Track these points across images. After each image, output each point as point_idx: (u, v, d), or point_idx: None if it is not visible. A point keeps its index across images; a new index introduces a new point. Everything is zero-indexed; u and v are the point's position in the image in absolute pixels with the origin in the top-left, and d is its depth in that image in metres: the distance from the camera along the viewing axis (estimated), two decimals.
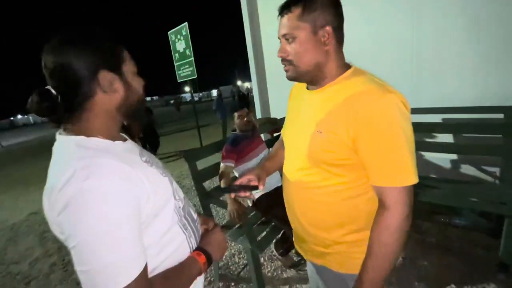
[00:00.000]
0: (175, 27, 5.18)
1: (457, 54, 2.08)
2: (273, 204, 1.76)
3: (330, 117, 0.70)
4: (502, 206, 1.61)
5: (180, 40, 5.25)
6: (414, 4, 2.19)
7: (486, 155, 1.90)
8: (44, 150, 11.37)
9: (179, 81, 5.53)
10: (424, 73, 2.25)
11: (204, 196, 1.80)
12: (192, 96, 5.94)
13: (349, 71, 0.73)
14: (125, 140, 0.66)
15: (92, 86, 0.55)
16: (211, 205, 1.81)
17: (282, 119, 2.68)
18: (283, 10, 0.70)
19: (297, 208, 0.83)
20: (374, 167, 0.66)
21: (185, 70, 5.26)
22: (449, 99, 2.15)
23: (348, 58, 0.76)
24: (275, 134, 2.72)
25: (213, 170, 1.90)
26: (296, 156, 0.81)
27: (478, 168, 2.16)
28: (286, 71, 0.76)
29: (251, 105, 2.97)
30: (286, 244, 1.80)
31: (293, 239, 0.99)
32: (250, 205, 1.91)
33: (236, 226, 1.75)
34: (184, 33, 5.07)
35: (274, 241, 1.92)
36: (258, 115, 3.59)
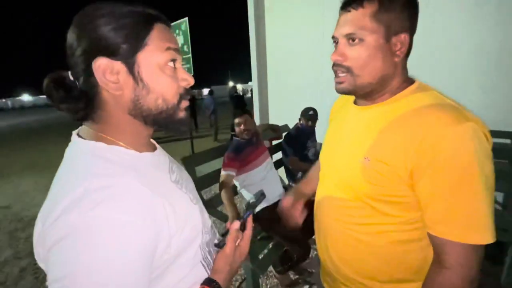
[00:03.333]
0: (174, 21, 5.00)
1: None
2: (275, 220, 1.64)
3: (383, 142, 0.56)
4: (504, 233, 1.58)
5: (178, 35, 5.08)
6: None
7: None
8: (32, 134, 10.80)
9: None
10: None
11: (203, 204, 1.65)
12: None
13: (413, 86, 0.59)
14: (154, 149, 0.53)
15: (91, 77, 0.42)
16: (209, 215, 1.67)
17: (283, 127, 2.59)
18: (352, 3, 0.55)
19: (329, 242, 0.70)
20: (435, 212, 0.52)
21: (182, 67, 5.08)
22: None
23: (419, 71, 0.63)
24: (274, 142, 2.61)
25: (213, 177, 1.76)
26: (334, 184, 0.67)
27: None
28: (339, 82, 0.60)
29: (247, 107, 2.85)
30: (286, 262, 1.68)
31: (320, 271, 0.84)
32: None
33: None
34: (183, 28, 4.89)
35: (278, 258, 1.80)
36: (256, 120, 3.47)
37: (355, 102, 0.68)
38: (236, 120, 1.79)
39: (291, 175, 2.37)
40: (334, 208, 0.67)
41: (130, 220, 0.37)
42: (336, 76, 0.61)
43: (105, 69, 0.42)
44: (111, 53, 0.42)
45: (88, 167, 0.40)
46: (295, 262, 1.63)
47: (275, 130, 2.51)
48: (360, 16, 0.55)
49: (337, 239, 0.68)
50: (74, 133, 0.47)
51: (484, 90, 2.00)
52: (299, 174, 2.28)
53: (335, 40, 0.61)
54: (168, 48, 0.45)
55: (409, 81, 0.61)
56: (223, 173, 1.64)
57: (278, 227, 1.61)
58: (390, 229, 0.59)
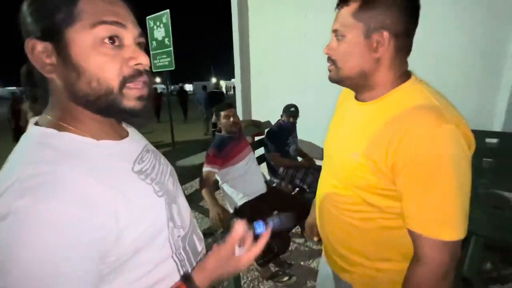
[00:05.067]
0: (155, 13, 4.86)
1: None
2: (256, 213, 1.67)
3: (370, 139, 0.59)
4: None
5: (159, 27, 4.94)
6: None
7: None
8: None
9: (154, 70, 5.19)
10: None
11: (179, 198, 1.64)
12: (167, 88, 5.63)
13: (407, 83, 0.60)
14: (123, 137, 0.49)
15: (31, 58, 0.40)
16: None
17: (266, 123, 2.62)
18: (341, 1, 0.59)
19: (327, 225, 0.76)
20: (410, 208, 0.55)
21: (162, 60, 4.96)
22: None
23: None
24: (257, 138, 2.63)
25: (193, 172, 1.75)
26: (331, 172, 0.74)
27: None
28: (329, 71, 0.67)
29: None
30: (267, 255, 1.71)
31: (323, 249, 0.89)
32: (232, 211, 1.79)
33: (219, 232, 1.62)
34: (164, 20, 4.77)
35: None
36: (239, 116, 3.47)
37: (355, 97, 0.70)
38: (224, 113, 1.78)
39: (272, 170, 2.40)
40: (330, 195, 0.73)
41: (61, 210, 0.34)
42: (328, 67, 0.66)
43: (38, 51, 0.39)
44: (38, 33, 0.38)
45: (27, 154, 0.38)
46: (275, 255, 1.67)
47: (258, 126, 2.54)
48: (344, 13, 0.59)
49: (333, 223, 0.74)
50: (32, 120, 0.44)
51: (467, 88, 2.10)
52: (281, 169, 2.32)
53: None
54: (102, 22, 0.38)
55: (405, 77, 0.62)
56: (205, 169, 1.63)
57: (260, 216, 1.64)
58: (377, 216, 0.63)
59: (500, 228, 1.73)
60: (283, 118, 2.38)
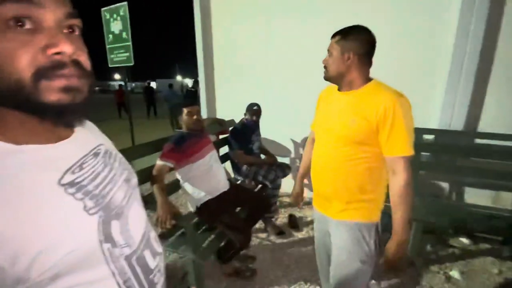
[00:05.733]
0: (112, 5, 4.56)
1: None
2: (219, 210, 1.68)
3: (361, 110, 0.96)
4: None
5: (116, 20, 4.65)
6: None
7: None
8: None
9: (110, 66, 4.87)
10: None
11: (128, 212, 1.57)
12: (126, 85, 5.31)
13: (372, 82, 1.00)
14: (66, 136, 0.43)
15: None
16: (147, 211, 1.59)
17: (229, 121, 2.62)
18: (331, 37, 1.02)
19: (331, 176, 1.05)
20: (389, 143, 0.93)
21: (120, 55, 4.66)
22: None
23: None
24: (222, 136, 2.63)
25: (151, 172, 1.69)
26: (330, 139, 1.05)
27: None
28: (324, 73, 1.06)
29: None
30: (230, 251, 1.73)
31: (314, 202, 1.21)
32: (193, 210, 1.77)
33: (177, 234, 1.59)
34: (122, 13, 4.49)
35: (218, 249, 1.83)
36: (204, 114, 3.42)
37: (339, 90, 1.06)
38: (188, 109, 1.75)
39: (236, 168, 2.42)
40: (331, 155, 1.04)
41: None
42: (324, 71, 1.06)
43: None
44: None
45: None
46: (237, 250, 1.69)
47: (221, 124, 2.54)
48: (332, 41, 1.01)
49: (337, 172, 1.03)
50: None
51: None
52: (244, 167, 2.35)
53: None
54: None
55: (369, 79, 1.02)
56: (158, 163, 1.57)
57: (221, 218, 1.65)
58: (366, 161, 0.99)
59: (437, 214, 1.96)
60: (246, 117, 2.41)
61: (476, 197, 2.22)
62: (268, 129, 3.04)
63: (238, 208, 1.93)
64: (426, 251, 2.10)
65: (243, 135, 2.36)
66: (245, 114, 2.43)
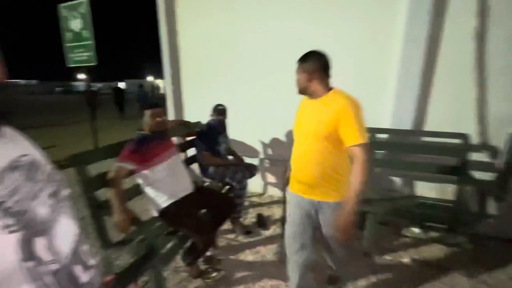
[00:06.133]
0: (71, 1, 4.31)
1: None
2: (182, 213, 1.66)
3: (326, 113, 1.24)
4: (366, 204, 2.05)
5: (75, 17, 4.39)
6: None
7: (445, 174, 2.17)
8: None
9: (69, 65, 4.59)
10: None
11: (96, 207, 1.51)
12: (89, 85, 5.04)
13: (332, 91, 1.29)
14: None
15: None
16: (105, 217, 1.53)
17: (196, 123, 2.60)
18: (299, 61, 1.34)
19: (310, 166, 1.32)
20: (348, 136, 1.19)
21: (80, 54, 4.43)
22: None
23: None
24: (188, 138, 2.60)
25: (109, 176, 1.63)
26: (307, 137, 1.32)
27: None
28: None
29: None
30: (194, 253, 1.72)
31: (293, 189, 1.45)
32: (156, 215, 1.74)
33: (137, 239, 1.55)
34: (82, 10, 4.28)
35: (182, 252, 1.81)
36: (171, 116, 3.36)
37: (311, 98, 1.35)
38: (151, 112, 1.72)
39: (203, 170, 2.41)
40: (308, 149, 1.31)
41: None
42: None
43: None
44: None
45: None
46: (200, 252, 1.68)
47: (188, 126, 2.51)
48: (299, 65, 1.33)
49: (314, 163, 1.30)
50: None
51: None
52: (211, 168, 2.35)
53: None
54: None
55: (330, 88, 1.31)
56: (117, 165, 1.52)
57: (184, 220, 1.64)
58: (335, 153, 1.27)
59: (391, 206, 2.12)
60: (212, 117, 2.42)
61: (425, 189, 2.43)
62: (237, 131, 3.06)
63: (204, 210, 1.93)
64: (382, 242, 2.26)
65: (210, 137, 2.36)
66: (211, 115, 2.43)
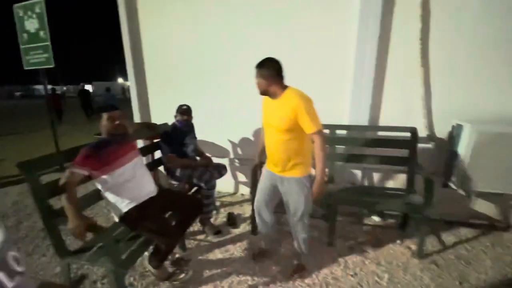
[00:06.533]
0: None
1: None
2: (144, 217, 1.65)
3: (285, 110, 1.51)
4: (330, 198, 2.17)
5: (31, 18, 4.14)
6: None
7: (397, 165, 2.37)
8: None
9: (26, 68, 4.32)
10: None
11: (50, 215, 1.45)
12: (45, 88, 4.75)
13: (287, 90, 1.56)
14: None
15: None
16: (61, 226, 1.47)
17: (162, 125, 2.58)
18: (255, 67, 1.59)
19: (279, 151, 1.63)
20: (305, 126, 1.49)
21: (37, 56, 4.18)
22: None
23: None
24: (155, 140, 2.56)
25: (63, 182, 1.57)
26: (274, 130, 1.61)
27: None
28: (258, 91, 1.64)
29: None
30: (158, 256, 1.71)
31: (268, 166, 1.80)
32: (117, 220, 1.70)
33: (96, 247, 1.51)
34: (38, 10, 4.05)
35: (148, 255, 1.79)
36: (136, 119, 3.28)
37: (271, 98, 1.61)
38: (107, 115, 1.68)
39: (170, 172, 2.39)
40: (276, 139, 1.62)
41: None
42: None
43: None
44: None
45: None
46: (164, 254, 1.68)
47: (152, 128, 2.45)
48: (257, 71, 1.58)
49: (282, 149, 1.62)
50: None
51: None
52: (178, 170, 2.34)
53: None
54: None
55: (285, 87, 1.57)
56: (70, 171, 1.47)
57: (145, 224, 1.62)
58: (295, 139, 1.57)
59: (352, 198, 2.25)
60: (177, 118, 2.40)
61: (382, 180, 2.61)
62: (206, 131, 3.07)
63: (169, 213, 1.92)
64: (345, 231, 2.40)
65: (175, 138, 2.34)
66: (175, 116, 2.41)
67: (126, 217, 1.67)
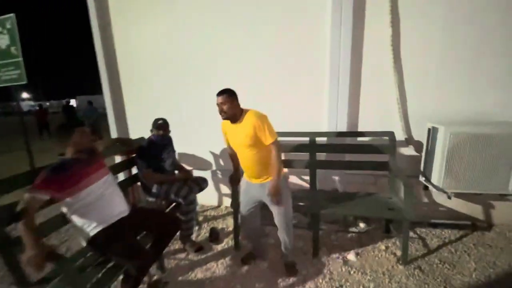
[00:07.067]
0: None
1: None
2: (113, 239, 1.55)
3: (247, 130, 1.68)
4: (313, 206, 2.13)
5: (2, 33, 4.00)
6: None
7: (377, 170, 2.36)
8: None
9: None
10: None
11: (7, 244, 1.34)
12: (18, 105, 4.56)
13: (245, 112, 1.73)
14: None
15: None
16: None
17: (139, 139, 2.48)
18: (221, 93, 1.73)
19: (253, 164, 1.79)
20: (264, 139, 1.67)
21: (9, 73, 4.02)
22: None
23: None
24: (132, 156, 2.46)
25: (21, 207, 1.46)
26: (243, 148, 1.77)
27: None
28: (223, 115, 1.75)
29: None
30: (131, 282, 1.60)
31: (245, 177, 1.95)
32: (85, 244, 1.59)
33: (58, 278, 1.39)
34: (9, 26, 3.94)
35: (120, 282, 1.68)
36: (113, 133, 3.17)
37: (232, 123, 1.77)
38: (75, 132, 1.59)
39: (147, 189, 2.30)
40: (247, 155, 1.77)
41: None
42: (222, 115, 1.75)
43: None
44: None
45: None
46: (137, 279, 1.57)
47: (127, 143, 2.37)
48: (223, 98, 1.71)
49: (253, 162, 1.78)
50: None
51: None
52: (154, 187, 2.25)
53: (217, 103, 1.74)
54: None
55: (244, 110, 1.75)
56: (29, 195, 1.36)
57: (113, 247, 1.52)
58: (265, 151, 1.72)
59: (335, 205, 2.20)
60: (152, 133, 2.32)
61: (363, 185, 2.60)
62: (187, 144, 3.00)
63: (143, 233, 1.82)
64: (330, 240, 2.35)
65: (151, 153, 2.25)
66: (151, 131, 2.33)
67: (93, 241, 1.56)
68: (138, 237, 1.76)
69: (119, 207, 1.70)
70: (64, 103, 12.46)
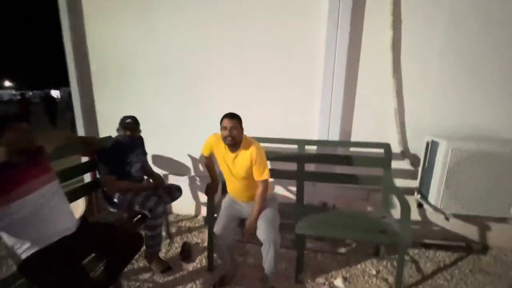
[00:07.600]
0: None
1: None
2: (47, 265, 1.24)
3: (245, 162, 1.68)
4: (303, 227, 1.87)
5: None
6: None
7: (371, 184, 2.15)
8: None
9: None
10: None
11: None
12: (22, 94, 4.14)
13: (244, 140, 1.70)
14: None
15: None
16: None
17: (106, 138, 2.16)
18: (232, 117, 1.64)
19: (243, 191, 1.81)
20: (255, 173, 1.68)
21: None
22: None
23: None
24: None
25: None
26: (237, 178, 1.76)
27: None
28: (231, 140, 1.63)
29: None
30: None
31: (234, 199, 1.91)
32: (16, 269, 1.27)
33: None
34: None
35: None
36: (80, 131, 2.83)
37: (230, 151, 1.72)
38: (8, 129, 1.28)
39: (107, 198, 1.98)
40: (238, 185, 1.79)
41: None
42: (230, 140, 1.64)
43: None
44: None
45: None
46: None
47: (89, 143, 2.04)
48: (235, 121, 1.63)
49: (241, 190, 1.82)
50: None
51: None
52: (116, 196, 1.93)
53: (226, 126, 1.62)
54: None
55: (244, 137, 1.71)
56: None
57: (48, 275, 1.21)
58: (254, 183, 1.71)
59: (321, 223, 1.94)
60: (119, 133, 2.01)
61: (354, 200, 2.38)
62: (161, 145, 2.70)
63: (93, 255, 1.51)
64: (316, 262, 2.11)
65: (115, 156, 1.93)
66: (117, 130, 2.02)
67: (25, 266, 1.25)
68: (86, 261, 1.44)
69: (62, 223, 1.39)
70: (44, 93, 12.00)
